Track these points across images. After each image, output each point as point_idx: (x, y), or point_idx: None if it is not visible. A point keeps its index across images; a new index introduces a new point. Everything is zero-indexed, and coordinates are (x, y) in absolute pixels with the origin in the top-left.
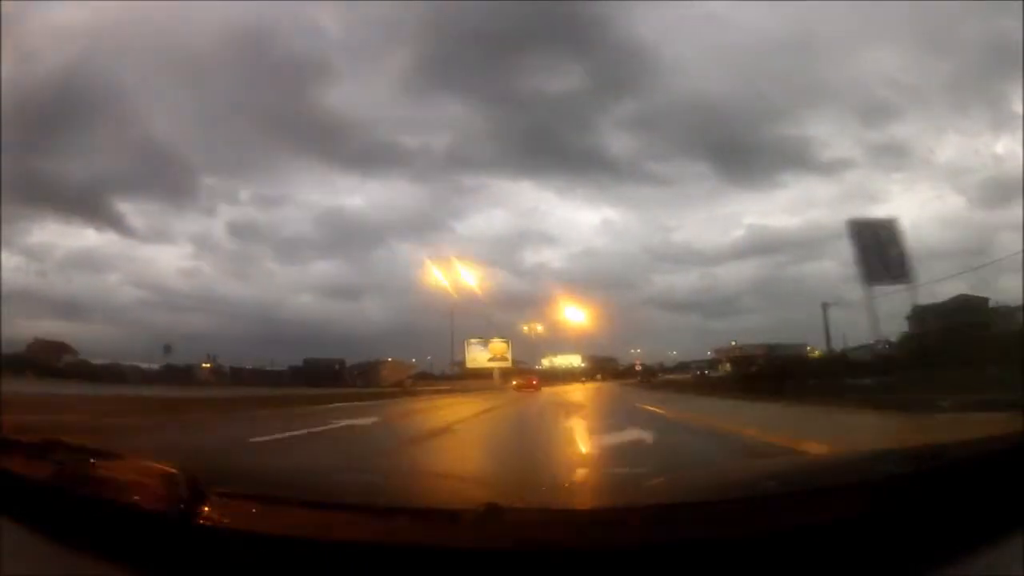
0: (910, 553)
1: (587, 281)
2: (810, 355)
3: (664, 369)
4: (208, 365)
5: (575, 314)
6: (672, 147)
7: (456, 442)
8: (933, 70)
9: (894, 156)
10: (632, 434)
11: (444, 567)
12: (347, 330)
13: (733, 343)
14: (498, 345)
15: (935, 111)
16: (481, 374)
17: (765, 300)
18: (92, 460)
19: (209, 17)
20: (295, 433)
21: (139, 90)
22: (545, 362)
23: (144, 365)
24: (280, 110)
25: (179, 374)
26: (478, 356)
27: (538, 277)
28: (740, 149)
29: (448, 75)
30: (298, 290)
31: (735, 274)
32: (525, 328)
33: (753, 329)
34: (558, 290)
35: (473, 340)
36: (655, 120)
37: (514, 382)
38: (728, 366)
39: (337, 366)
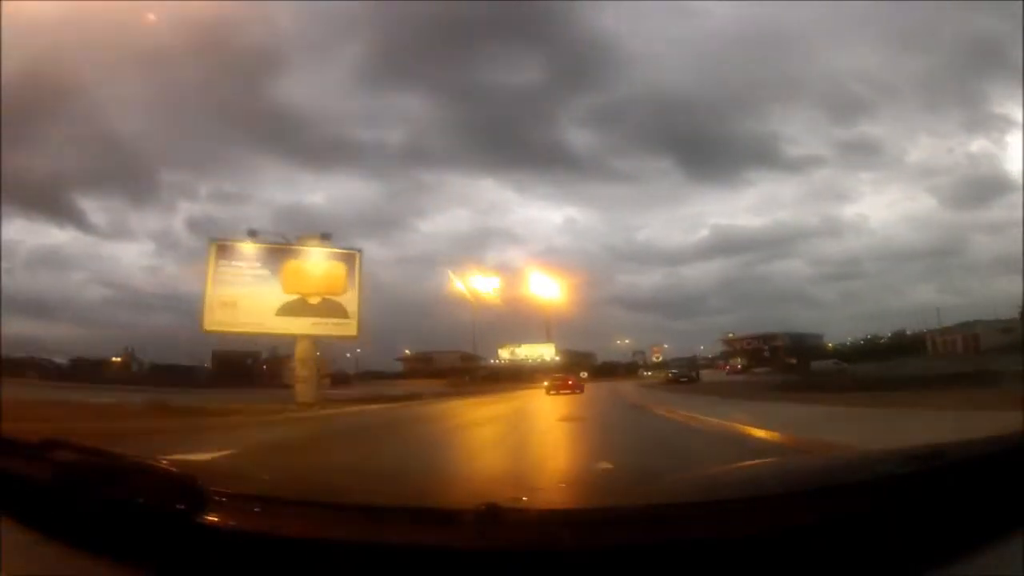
0: (910, 553)
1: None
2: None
3: (650, 365)
4: (119, 359)
5: (543, 287)
6: (635, 142)
7: None
8: (907, 67)
9: (865, 154)
10: None
11: (444, 567)
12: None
13: (731, 335)
14: (314, 267)
15: (908, 109)
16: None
17: (732, 299)
18: (92, 460)
19: (166, 12)
20: None
21: (98, 85)
22: (504, 353)
23: (57, 359)
24: (236, 105)
25: (88, 369)
26: (245, 300)
27: (501, 275)
28: (705, 144)
29: (404, 68)
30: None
31: (702, 273)
32: (453, 278)
33: (726, 326)
34: (522, 271)
35: (225, 242)
36: (617, 114)
37: (546, 382)
38: (739, 359)
39: (249, 360)
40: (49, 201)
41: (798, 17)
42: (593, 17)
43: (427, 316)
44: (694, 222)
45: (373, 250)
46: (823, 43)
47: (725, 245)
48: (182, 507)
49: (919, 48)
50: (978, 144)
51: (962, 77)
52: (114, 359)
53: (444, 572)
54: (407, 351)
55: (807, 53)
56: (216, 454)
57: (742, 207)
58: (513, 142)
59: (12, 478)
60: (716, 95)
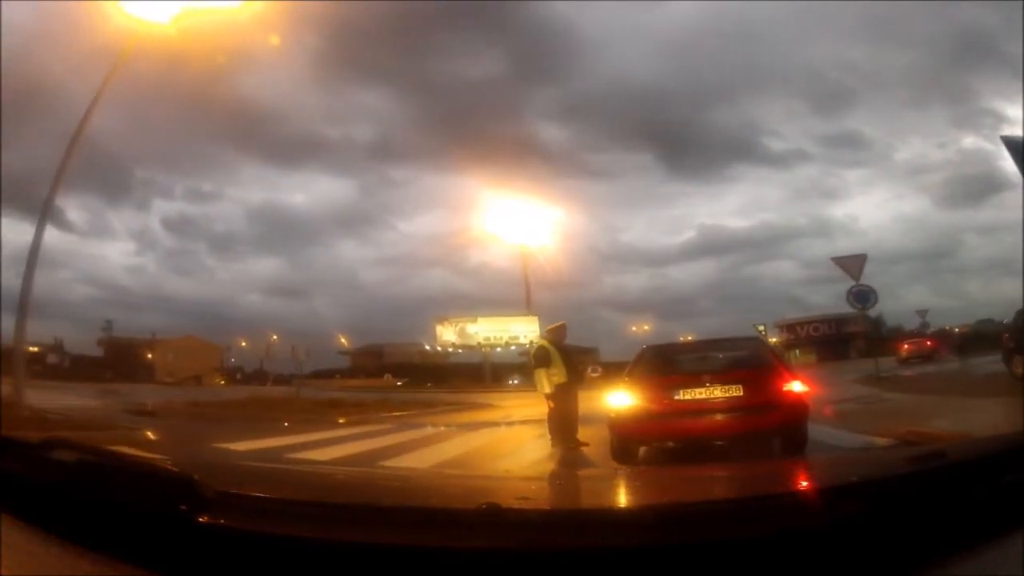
0: (910, 552)
1: (533, 280)
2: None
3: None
4: (35, 349)
5: (516, 225)
6: (610, 136)
7: None
8: (893, 60)
9: (851, 150)
10: None
11: (444, 567)
12: (299, 325)
13: (785, 319)
14: None
15: (895, 104)
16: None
17: (720, 300)
18: (93, 459)
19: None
20: None
21: (68, 81)
22: (446, 332)
23: None
24: (202, 101)
25: None
26: None
27: (481, 275)
28: (684, 138)
29: (362, 62)
30: (244, 288)
31: (689, 275)
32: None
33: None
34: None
35: None
36: (588, 106)
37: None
38: (796, 351)
39: (148, 352)
40: (24, 198)
41: (778, 4)
42: (552, 6)
43: (405, 313)
44: (679, 223)
45: (351, 250)
46: (804, 33)
47: (712, 246)
48: (183, 507)
49: (905, 40)
50: (970, 140)
51: (950, 71)
52: (31, 349)
53: (445, 572)
54: (343, 340)
55: (787, 43)
56: None
57: (728, 208)
58: (484, 138)
59: (12, 478)
60: (692, 86)
